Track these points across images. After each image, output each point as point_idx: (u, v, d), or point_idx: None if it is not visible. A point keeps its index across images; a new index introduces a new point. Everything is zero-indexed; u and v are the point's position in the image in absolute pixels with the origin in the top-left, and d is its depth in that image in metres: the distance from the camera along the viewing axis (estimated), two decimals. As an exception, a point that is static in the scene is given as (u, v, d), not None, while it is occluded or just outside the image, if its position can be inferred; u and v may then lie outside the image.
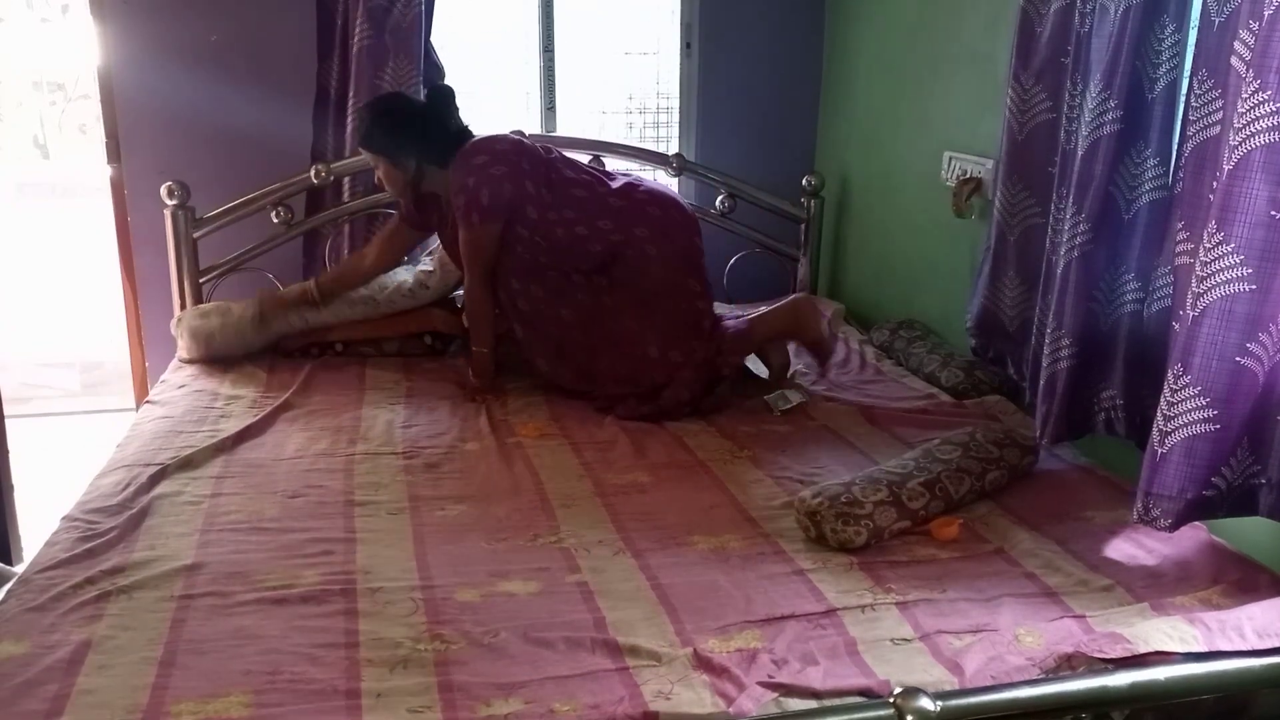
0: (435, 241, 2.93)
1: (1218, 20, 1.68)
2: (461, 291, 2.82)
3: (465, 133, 2.60)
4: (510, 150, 2.53)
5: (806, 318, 2.65)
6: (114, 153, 3.22)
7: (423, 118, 2.59)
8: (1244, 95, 1.54)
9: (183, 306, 2.99)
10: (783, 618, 1.56)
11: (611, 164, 3.36)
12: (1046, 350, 2.12)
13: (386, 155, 2.58)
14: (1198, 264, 1.62)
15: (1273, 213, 1.55)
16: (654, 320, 2.51)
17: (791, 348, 2.76)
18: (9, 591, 1.63)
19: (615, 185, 2.60)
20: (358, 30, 3.08)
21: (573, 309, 2.57)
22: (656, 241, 2.51)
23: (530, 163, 2.53)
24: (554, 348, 2.60)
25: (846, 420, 2.43)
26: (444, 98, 2.61)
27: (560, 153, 2.66)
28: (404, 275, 2.96)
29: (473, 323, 2.65)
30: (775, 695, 1.36)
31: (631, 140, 3.71)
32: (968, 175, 2.72)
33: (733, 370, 2.60)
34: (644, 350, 2.51)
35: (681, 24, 3.61)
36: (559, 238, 2.51)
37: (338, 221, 3.24)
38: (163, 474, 2.06)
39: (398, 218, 2.81)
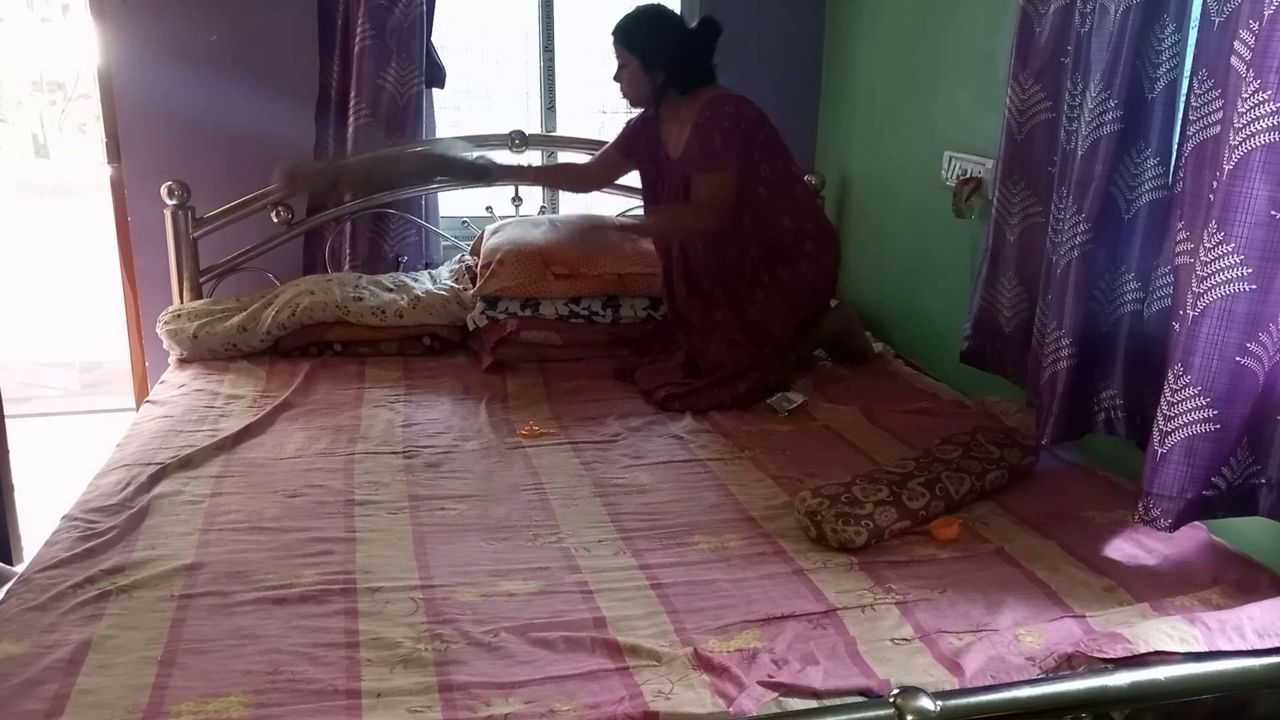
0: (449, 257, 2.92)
1: (1218, 20, 1.68)
2: (475, 314, 2.85)
3: (712, 75, 2.63)
4: (757, 119, 2.58)
5: (854, 326, 2.91)
6: (114, 152, 3.22)
7: (688, 35, 2.59)
8: (1244, 95, 1.54)
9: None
10: (783, 617, 1.56)
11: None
12: (1047, 350, 2.12)
13: (641, 57, 2.57)
14: (1198, 264, 1.62)
15: (1273, 213, 1.55)
16: (791, 306, 2.66)
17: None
18: (9, 591, 1.63)
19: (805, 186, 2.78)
20: (359, 31, 3.08)
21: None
22: (824, 252, 2.71)
23: (770, 131, 2.62)
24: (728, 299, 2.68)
25: (847, 420, 2.43)
26: (713, 32, 2.62)
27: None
28: (439, 290, 2.95)
29: (664, 231, 2.70)
30: (775, 695, 1.36)
31: (631, 140, 3.70)
32: (968, 175, 2.72)
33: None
34: (772, 326, 2.64)
35: (681, 24, 3.61)
36: (781, 228, 2.63)
37: (338, 221, 3.24)
38: (163, 473, 2.06)
39: (613, 147, 2.85)
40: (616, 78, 2.66)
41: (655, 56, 2.57)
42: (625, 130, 2.84)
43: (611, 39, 2.63)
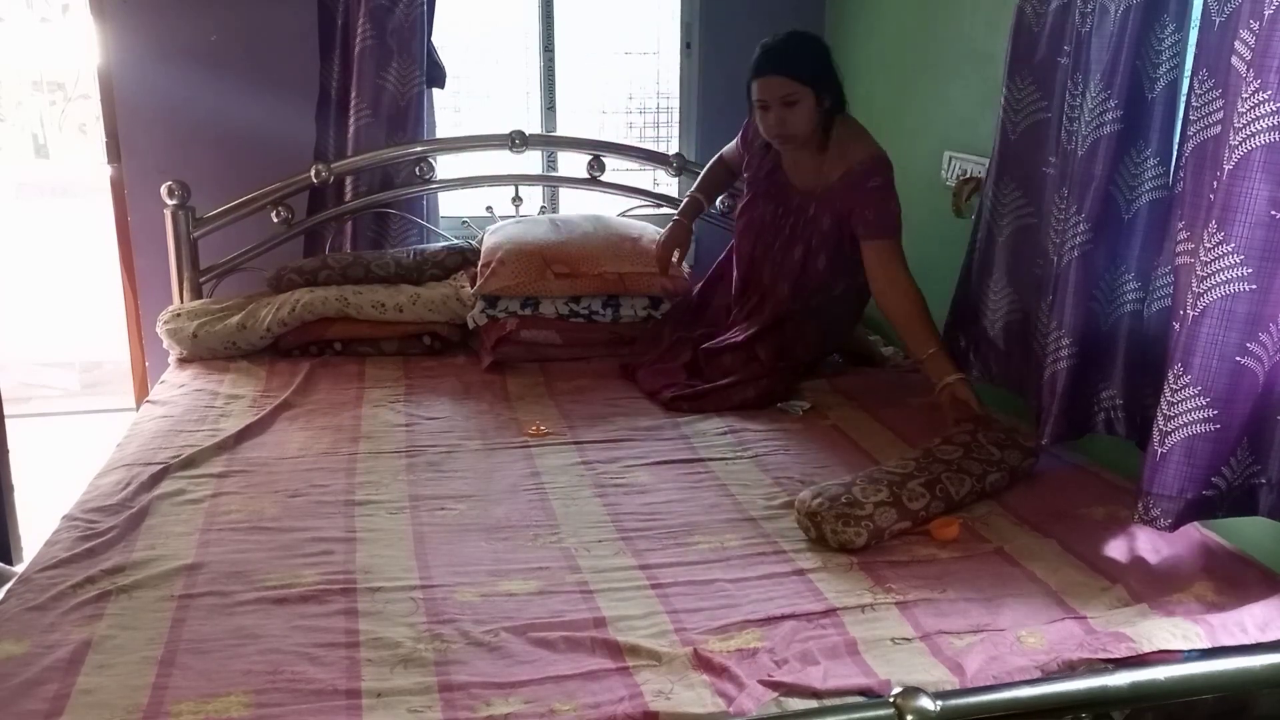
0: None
1: (1218, 20, 1.68)
2: (475, 312, 2.85)
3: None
4: None
5: (859, 335, 2.91)
6: (114, 152, 3.22)
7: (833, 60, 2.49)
8: (1244, 95, 1.54)
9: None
10: (783, 617, 1.56)
11: (611, 164, 3.37)
12: (1047, 350, 2.12)
13: (814, 88, 2.42)
14: (1198, 264, 1.62)
15: (1273, 213, 1.55)
16: (821, 336, 2.71)
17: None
18: (9, 591, 1.63)
19: None
20: (359, 31, 3.08)
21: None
22: (860, 301, 2.71)
23: None
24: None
25: (854, 420, 2.43)
26: None
27: None
28: (444, 290, 2.95)
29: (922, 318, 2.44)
30: (775, 695, 1.36)
31: (631, 140, 3.71)
32: (968, 175, 2.72)
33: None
34: (798, 349, 2.66)
35: (681, 24, 3.61)
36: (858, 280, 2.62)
37: (339, 221, 3.24)
38: (163, 473, 2.06)
39: (739, 139, 2.77)
40: (776, 121, 2.46)
41: (826, 84, 2.45)
42: (747, 126, 2.73)
43: (763, 73, 2.44)
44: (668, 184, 3.61)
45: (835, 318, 2.72)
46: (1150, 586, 1.64)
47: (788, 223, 2.64)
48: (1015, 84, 2.26)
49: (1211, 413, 1.63)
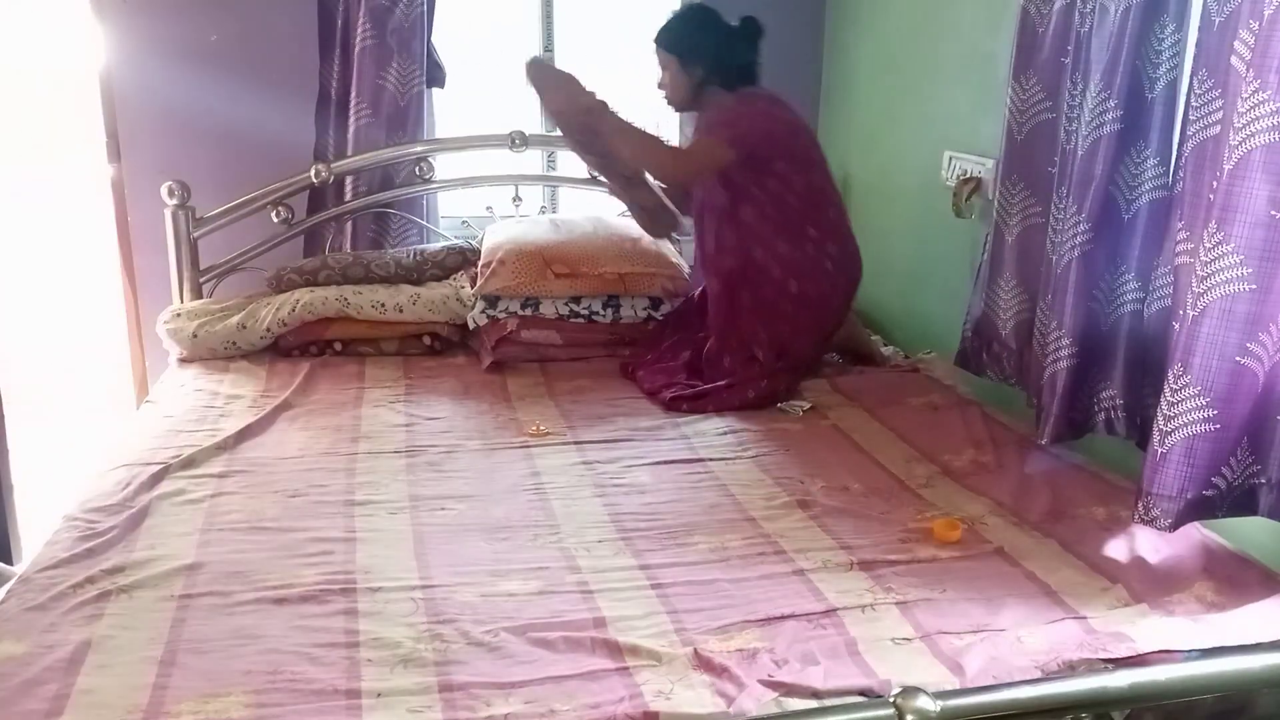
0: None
1: (1218, 20, 1.68)
2: (475, 312, 2.86)
3: (756, 72, 2.65)
4: (794, 124, 2.62)
5: (858, 333, 2.94)
6: (114, 153, 3.22)
7: (728, 35, 2.62)
8: (1244, 95, 1.55)
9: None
10: (783, 617, 1.56)
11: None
12: (1047, 350, 2.12)
13: (679, 54, 2.60)
14: (1198, 264, 1.62)
15: (1273, 212, 1.55)
16: (817, 321, 2.68)
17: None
18: (9, 591, 1.63)
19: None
20: (359, 30, 3.08)
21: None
22: (840, 274, 2.70)
23: (808, 143, 2.67)
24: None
25: (854, 420, 2.43)
26: (755, 31, 2.64)
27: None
28: (444, 290, 2.95)
29: (637, 145, 2.58)
30: (775, 695, 1.36)
31: (631, 140, 3.70)
32: (968, 175, 2.72)
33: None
34: (798, 342, 2.65)
35: (682, 24, 3.61)
36: (806, 238, 2.61)
37: (339, 220, 3.24)
38: (163, 473, 2.05)
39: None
40: (660, 84, 2.68)
41: (693, 53, 2.60)
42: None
43: (654, 48, 2.66)
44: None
45: (815, 298, 2.64)
46: (1150, 586, 1.64)
47: (700, 197, 2.71)
48: (1020, 84, 2.26)
49: (1211, 413, 1.63)
